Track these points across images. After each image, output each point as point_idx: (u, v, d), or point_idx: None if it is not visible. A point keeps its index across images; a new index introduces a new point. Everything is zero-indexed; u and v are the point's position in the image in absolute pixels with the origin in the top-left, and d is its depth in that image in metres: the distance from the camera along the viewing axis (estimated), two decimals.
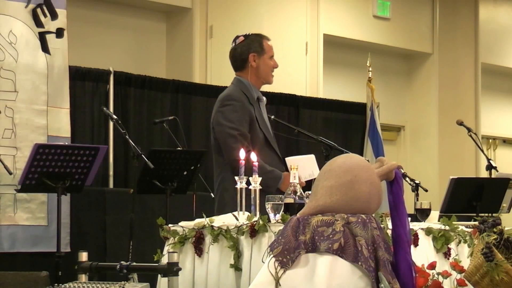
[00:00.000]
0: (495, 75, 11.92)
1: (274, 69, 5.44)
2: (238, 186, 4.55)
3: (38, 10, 6.79)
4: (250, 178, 4.51)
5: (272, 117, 5.52)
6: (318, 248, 3.46)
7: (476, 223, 4.28)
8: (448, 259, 4.82)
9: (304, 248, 3.48)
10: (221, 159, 5.28)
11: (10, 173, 6.20)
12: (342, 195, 3.54)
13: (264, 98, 5.49)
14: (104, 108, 6.64)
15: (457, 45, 11.17)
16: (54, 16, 6.84)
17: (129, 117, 8.15)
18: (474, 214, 5.99)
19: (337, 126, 9.77)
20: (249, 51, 5.38)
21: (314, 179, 3.74)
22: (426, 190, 5.51)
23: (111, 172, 7.90)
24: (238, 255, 4.42)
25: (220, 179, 5.29)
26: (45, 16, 6.82)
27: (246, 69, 5.40)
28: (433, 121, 10.89)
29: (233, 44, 5.43)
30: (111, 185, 7.88)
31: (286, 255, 3.48)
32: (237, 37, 5.45)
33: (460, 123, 6.93)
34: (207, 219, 4.60)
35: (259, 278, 3.52)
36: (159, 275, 4.68)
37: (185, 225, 4.71)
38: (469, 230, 4.98)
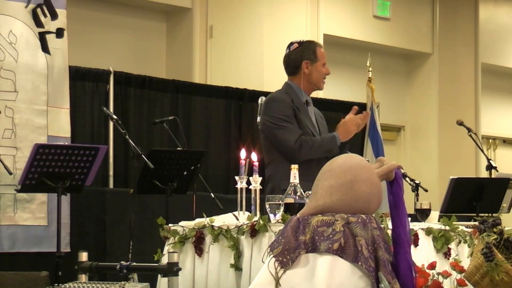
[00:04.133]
0: (495, 75, 11.92)
1: (326, 76, 5.49)
2: (238, 186, 4.56)
3: (38, 10, 6.79)
4: (251, 178, 4.52)
5: None
6: (318, 248, 3.46)
7: (476, 223, 4.28)
8: (448, 259, 4.82)
9: (304, 248, 3.48)
10: (268, 159, 5.31)
11: (10, 173, 6.20)
12: (342, 195, 3.54)
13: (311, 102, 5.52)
14: (104, 108, 6.64)
15: (457, 45, 11.17)
16: (54, 16, 6.84)
17: (129, 117, 8.15)
18: (474, 214, 5.99)
19: None
20: (303, 58, 5.43)
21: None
22: (426, 190, 5.51)
23: (111, 172, 7.90)
24: (238, 255, 4.42)
25: (272, 180, 5.28)
26: (45, 16, 6.82)
27: (298, 75, 5.44)
28: (433, 121, 10.89)
29: (287, 51, 5.47)
30: (111, 185, 7.88)
31: (286, 255, 3.48)
32: (292, 43, 5.50)
33: (460, 123, 6.93)
34: (207, 219, 4.61)
35: (259, 278, 3.52)
36: (159, 275, 4.69)
37: (185, 225, 4.72)
38: (469, 230, 4.98)
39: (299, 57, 5.42)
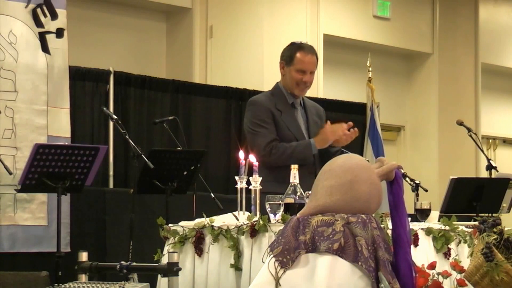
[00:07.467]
0: (495, 75, 11.92)
1: (302, 83, 5.26)
2: (238, 186, 4.56)
3: (38, 10, 6.79)
4: (250, 178, 4.51)
5: None
6: (318, 248, 3.46)
7: (476, 223, 4.28)
8: (448, 259, 4.82)
9: (304, 248, 3.48)
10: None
11: (10, 173, 6.20)
12: (342, 195, 3.54)
13: (300, 104, 5.37)
14: (104, 108, 6.64)
15: (457, 45, 11.16)
16: (54, 16, 6.84)
17: (129, 117, 8.15)
18: (474, 214, 5.98)
19: None
20: (281, 58, 5.33)
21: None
22: (426, 190, 5.51)
23: (111, 172, 7.90)
24: (238, 255, 4.42)
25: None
26: (45, 16, 6.82)
27: (282, 76, 5.35)
28: (433, 121, 10.88)
29: None
30: (111, 185, 7.88)
31: (286, 255, 3.48)
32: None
33: (460, 123, 6.92)
34: (207, 219, 4.61)
35: (259, 278, 3.52)
36: (159, 275, 4.69)
37: (185, 225, 4.72)
38: (469, 230, 4.98)
39: (281, 56, 5.33)
